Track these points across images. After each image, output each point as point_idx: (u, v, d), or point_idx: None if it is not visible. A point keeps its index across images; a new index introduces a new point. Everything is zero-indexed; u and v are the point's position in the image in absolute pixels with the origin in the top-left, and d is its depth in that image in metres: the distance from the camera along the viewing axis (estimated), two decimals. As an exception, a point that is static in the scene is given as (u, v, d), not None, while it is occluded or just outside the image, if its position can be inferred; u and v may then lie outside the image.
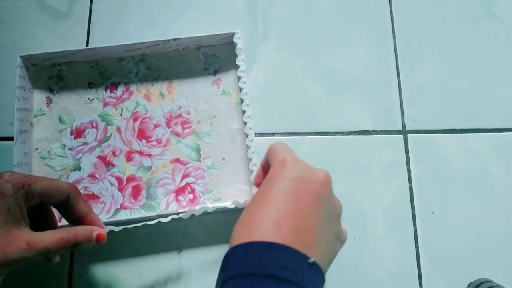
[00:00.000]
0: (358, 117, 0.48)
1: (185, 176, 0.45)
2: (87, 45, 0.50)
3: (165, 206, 0.44)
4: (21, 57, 0.45)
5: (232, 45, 0.47)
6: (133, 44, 0.45)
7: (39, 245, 0.33)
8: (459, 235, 0.45)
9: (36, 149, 0.46)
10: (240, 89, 0.45)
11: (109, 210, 0.44)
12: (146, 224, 0.40)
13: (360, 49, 0.50)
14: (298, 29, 0.51)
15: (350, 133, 0.47)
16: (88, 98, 0.47)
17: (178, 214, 0.41)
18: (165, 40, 0.46)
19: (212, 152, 0.46)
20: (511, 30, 0.51)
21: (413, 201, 0.46)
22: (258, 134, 0.47)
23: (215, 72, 0.48)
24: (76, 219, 0.37)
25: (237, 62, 0.45)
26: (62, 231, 0.35)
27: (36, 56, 0.45)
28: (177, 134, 0.46)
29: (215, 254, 0.43)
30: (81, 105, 0.47)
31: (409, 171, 0.46)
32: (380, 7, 0.52)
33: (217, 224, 0.44)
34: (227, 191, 0.44)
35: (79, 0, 0.52)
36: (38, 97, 0.47)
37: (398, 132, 0.48)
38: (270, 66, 0.49)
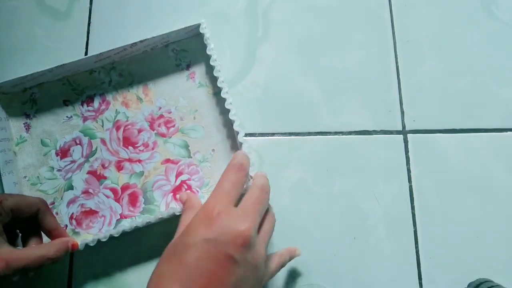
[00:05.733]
0: (358, 117, 0.48)
1: (179, 174, 0.45)
2: (87, 45, 0.50)
3: (165, 207, 0.44)
4: None
5: (200, 36, 0.47)
6: (101, 53, 0.45)
7: (18, 264, 0.33)
8: (459, 235, 0.45)
9: (25, 176, 0.45)
10: (217, 78, 0.44)
11: (110, 222, 0.44)
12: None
13: (360, 49, 0.50)
14: (298, 29, 0.51)
15: (350, 133, 0.47)
16: (67, 116, 0.47)
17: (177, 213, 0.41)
18: (132, 44, 0.45)
19: (201, 145, 0.46)
20: (511, 30, 0.51)
21: (413, 201, 0.46)
22: (258, 134, 0.47)
23: (188, 67, 0.48)
24: (45, 232, 0.39)
25: (208, 52, 0.45)
26: (42, 248, 0.36)
27: (5, 84, 0.44)
28: (163, 135, 0.46)
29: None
30: (61, 124, 0.47)
31: (409, 171, 0.46)
32: (380, 7, 0.52)
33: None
34: None
35: (79, 0, 0.52)
36: (16, 125, 0.46)
37: (398, 132, 0.48)
38: (270, 66, 0.49)
